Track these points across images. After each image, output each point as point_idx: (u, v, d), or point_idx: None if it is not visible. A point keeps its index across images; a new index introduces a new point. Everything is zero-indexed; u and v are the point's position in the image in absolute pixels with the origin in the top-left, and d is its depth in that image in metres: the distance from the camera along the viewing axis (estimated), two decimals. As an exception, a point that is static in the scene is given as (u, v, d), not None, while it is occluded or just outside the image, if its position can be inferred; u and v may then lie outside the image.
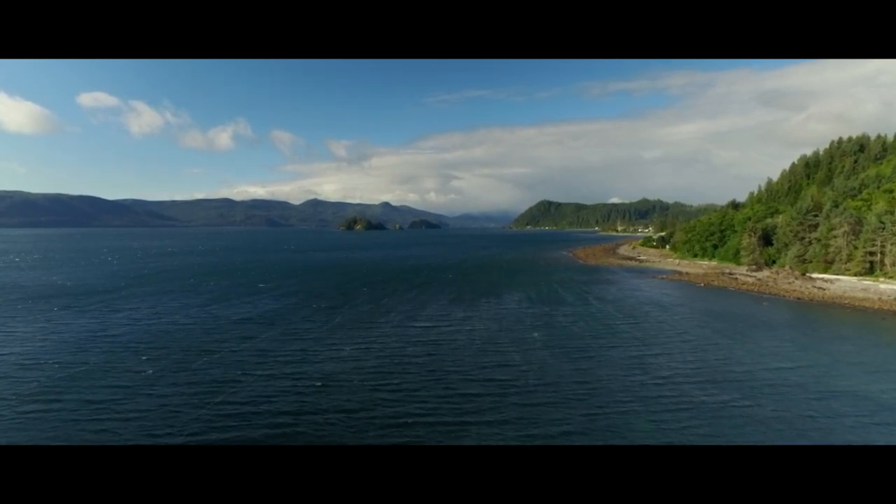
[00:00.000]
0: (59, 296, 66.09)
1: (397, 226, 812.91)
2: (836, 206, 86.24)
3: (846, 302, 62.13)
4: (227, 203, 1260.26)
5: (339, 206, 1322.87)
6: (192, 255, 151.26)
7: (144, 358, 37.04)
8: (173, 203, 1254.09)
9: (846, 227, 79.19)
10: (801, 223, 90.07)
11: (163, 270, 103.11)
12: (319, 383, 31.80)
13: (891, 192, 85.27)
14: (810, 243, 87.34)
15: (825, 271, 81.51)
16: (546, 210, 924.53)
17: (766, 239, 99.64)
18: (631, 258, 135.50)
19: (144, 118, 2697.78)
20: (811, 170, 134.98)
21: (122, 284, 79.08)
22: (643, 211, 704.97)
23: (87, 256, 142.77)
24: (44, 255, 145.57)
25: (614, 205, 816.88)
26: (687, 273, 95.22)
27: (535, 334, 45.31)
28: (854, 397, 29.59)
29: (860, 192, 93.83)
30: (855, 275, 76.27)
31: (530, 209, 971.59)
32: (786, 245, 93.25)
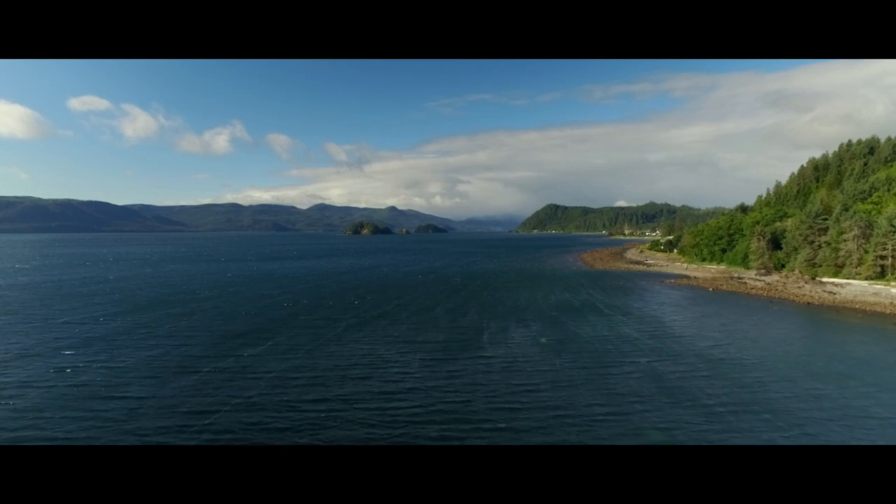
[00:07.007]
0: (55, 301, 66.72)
1: (404, 230, 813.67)
2: (846, 210, 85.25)
3: (857, 306, 61.31)
4: (235, 208, 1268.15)
5: (346, 211, 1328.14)
6: (200, 262, 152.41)
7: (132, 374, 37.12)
8: (182, 208, 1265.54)
9: (856, 231, 78.22)
10: (811, 227, 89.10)
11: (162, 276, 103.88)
12: (321, 398, 31.55)
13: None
14: (820, 247, 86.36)
15: (835, 275, 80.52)
16: (552, 214, 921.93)
17: (776, 243, 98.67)
18: (638, 262, 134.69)
19: (138, 121, 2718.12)
20: (820, 172, 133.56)
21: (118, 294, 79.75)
22: (650, 214, 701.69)
23: (94, 262, 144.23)
24: (47, 261, 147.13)
25: (621, 208, 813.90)
26: (695, 277, 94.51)
27: (543, 339, 45.11)
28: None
29: (870, 195, 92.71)
30: (866, 279, 75.28)
31: (537, 213, 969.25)
32: (795, 249, 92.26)
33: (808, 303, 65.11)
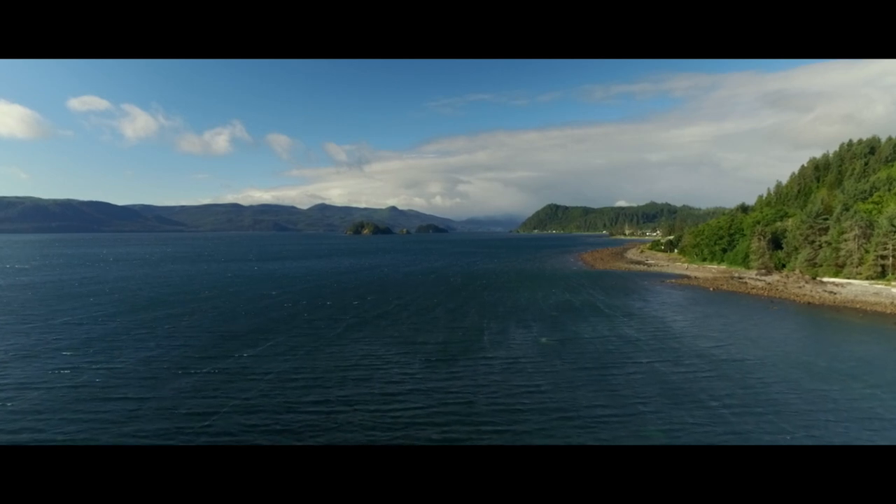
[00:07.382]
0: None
1: (404, 230, 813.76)
2: (847, 210, 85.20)
3: (858, 306, 61.26)
4: (236, 208, 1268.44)
5: (346, 211, 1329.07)
6: (200, 262, 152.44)
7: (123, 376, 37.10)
8: (182, 208, 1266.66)
9: (857, 231, 78.17)
10: (811, 227, 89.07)
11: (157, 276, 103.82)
12: (321, 399, 31.44)
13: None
14: (820, 247, 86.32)
15: (836, 275, 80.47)
16: (553, 214, 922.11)
17: (776, 242, 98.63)
18: (639, 262, 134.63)
19: (138, 121, 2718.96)
20: (821, 172, 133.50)
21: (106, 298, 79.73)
22: (651, 214, 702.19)
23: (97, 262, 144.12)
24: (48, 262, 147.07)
25: (621, 208, 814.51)
26: (696, 277, 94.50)
27: (544, 340, 45.09)
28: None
29: (871, 195, 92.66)
30: (866, 279, 75.23)
31: (537, 213, 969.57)
32: (796, 249, 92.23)
33: (809, 303, 65.07)
